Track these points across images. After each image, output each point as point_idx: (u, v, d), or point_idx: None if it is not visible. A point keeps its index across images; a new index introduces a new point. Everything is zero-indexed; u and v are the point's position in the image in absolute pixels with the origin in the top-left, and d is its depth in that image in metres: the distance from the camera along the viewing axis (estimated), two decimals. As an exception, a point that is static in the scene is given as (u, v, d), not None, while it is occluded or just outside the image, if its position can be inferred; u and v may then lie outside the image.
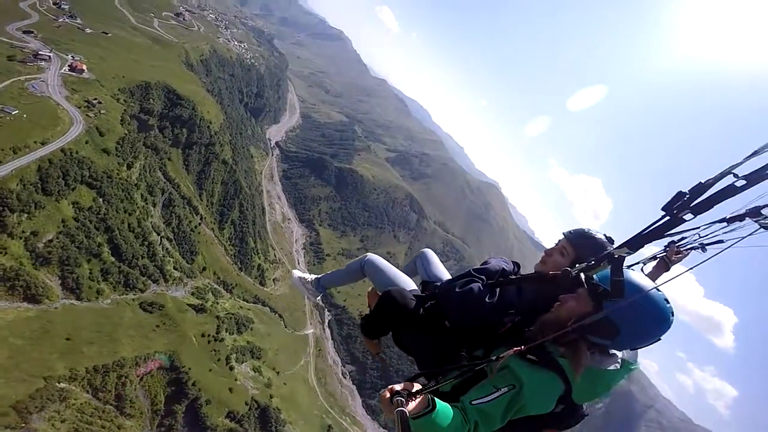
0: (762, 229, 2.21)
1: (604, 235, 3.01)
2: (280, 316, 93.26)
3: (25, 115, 54.26)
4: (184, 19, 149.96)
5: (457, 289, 2.78)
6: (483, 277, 2.88)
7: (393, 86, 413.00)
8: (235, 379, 67.81)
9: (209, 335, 68.05)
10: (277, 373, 78.26)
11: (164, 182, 76.01)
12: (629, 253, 2.12)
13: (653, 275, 3.28)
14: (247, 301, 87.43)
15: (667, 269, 3.29)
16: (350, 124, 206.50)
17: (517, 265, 3.27)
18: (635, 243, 2.08)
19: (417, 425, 1.73)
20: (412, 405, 1.74)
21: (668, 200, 2.04)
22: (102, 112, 64.40)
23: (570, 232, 3.04)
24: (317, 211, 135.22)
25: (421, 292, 3.48)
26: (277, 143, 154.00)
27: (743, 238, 2.31)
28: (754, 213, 2.32)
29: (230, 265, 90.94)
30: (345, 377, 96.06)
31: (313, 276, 4.56)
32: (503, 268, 3.02)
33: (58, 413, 45.97)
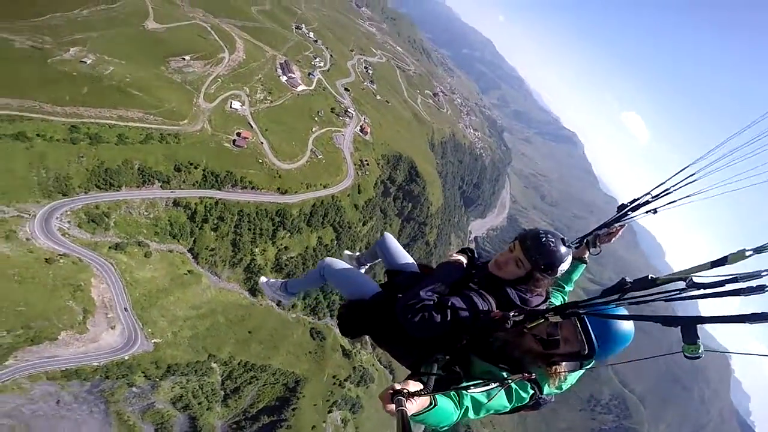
0: None
1: (563, 240, 3.26)
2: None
3: (324, 161, 76.86)
4: (438, 100, 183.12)
5: (409, 316, 3.21)
6: (435, 296, 3.32)
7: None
8: (324, 422, 73.55)
9: (337, 379, 77.18)
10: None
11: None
12: (560, 320, 2.65)
13: (582, 251, 4.14)
14: (381, 363, 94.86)
15: (596, 246, 4.12)
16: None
17: (471, 255, 3.77)
18: (570, 313, 2.59)
19: (419, 420, 2.16)
20: (413, 405, 2.05)
21: (613, 285, 2.57)
22: (366, 173, 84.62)
23: (525, 239, 3.28)
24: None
25: (387, 279, 4.23)
26: (475, 238, 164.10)
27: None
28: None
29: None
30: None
31: (280, 281, 5.59)
32: (455, 279, 3.49)
33: (186, 381, 58.47)
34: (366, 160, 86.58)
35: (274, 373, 68.35)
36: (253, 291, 68.61)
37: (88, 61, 65.22)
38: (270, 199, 66.97)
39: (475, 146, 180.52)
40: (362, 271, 5.37)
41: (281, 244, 69.63)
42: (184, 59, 78.65)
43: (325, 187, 73.82)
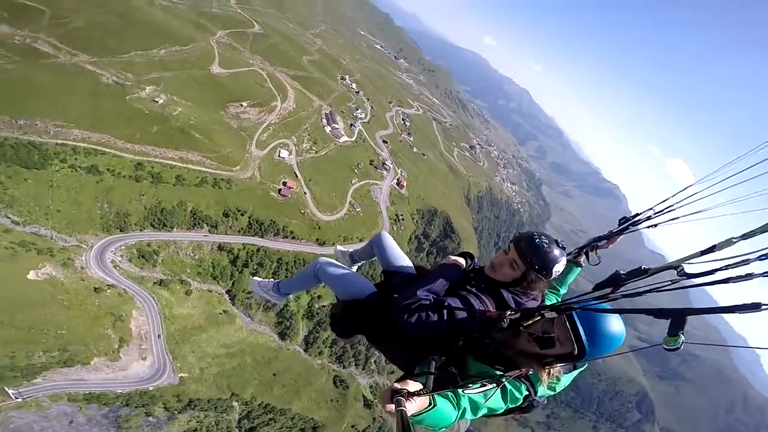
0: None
1: (556, 242, 3.35)
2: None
3: (361, 214, 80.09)
4: (474, 152, 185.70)
5: (405, 315, 3.25)
6: (432, 296, 3.37)
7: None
8: (337, 471, 71.57)
9: (356, 429, 76.42)
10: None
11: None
12: (556, 316, 2.75)
13: (577, 257, 4.61)
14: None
15: (593, 250, 4.63)
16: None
17: (470, 259, 3.80)
18: (564, 309, 2.66)
19: (418, 420, 2.25)
20: (412, 405, 2.15)
21: (607, 278, 2.82)
22: (401, 228, 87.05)
23: (520, 240, 3.37)
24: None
25: (383, 279, 4.24)
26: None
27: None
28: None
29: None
30: None
31: (273, 281, 5.54)
32: (452, 281, 3.55)
33: (204, 416, 58.82)
34: (401, 215, 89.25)
35: (293, 418, 68.60)
36: (283, 335, 70.84)
37: (160, 101, 71.91)
38: (308, 249, 70.07)
39: (513, 201, 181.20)
40: (355, 268, 5.47)
41: (315, 293, 71.99)
42: (241, 105, 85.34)
43: (360, 240, 76.38)
